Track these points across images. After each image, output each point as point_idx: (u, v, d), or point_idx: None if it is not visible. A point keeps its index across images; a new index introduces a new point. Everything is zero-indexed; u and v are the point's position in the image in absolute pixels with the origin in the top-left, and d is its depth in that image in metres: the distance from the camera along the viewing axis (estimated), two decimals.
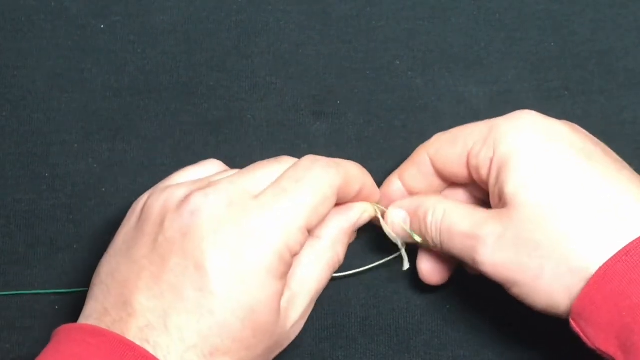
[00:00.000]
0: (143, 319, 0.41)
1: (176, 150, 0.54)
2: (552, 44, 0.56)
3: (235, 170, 0.47)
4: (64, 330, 0.42)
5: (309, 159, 0.46)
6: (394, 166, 0.53)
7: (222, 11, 0.57)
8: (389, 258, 0.51)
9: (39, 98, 0.55)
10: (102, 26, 0.56)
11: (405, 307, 0.51)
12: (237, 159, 0.54)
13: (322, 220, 0.45)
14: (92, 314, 0.43)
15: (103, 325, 0.42)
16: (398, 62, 0.56)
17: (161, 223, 0.43)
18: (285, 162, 0.46)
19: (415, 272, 0.52)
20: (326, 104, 0.55)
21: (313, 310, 0.50)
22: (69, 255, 0.53)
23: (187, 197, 0.43)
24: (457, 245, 0.46)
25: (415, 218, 0.48)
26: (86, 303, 0.44)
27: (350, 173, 0.47)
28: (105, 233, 0.52)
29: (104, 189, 0.54)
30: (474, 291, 0.52)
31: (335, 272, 0.47)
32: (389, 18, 0.56)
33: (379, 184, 0.50)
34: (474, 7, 0.57)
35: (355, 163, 0.48)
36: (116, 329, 0.41)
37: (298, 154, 0.54)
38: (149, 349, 0.40)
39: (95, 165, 0.54)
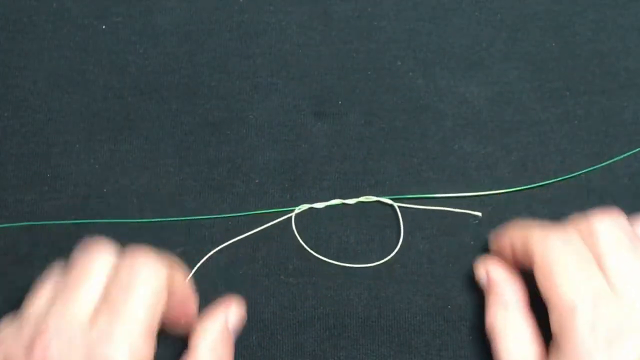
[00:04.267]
0: None
1: (178, 151, 0.54)
2: (553, 44, 0.56)
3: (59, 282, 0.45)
4: None
5: (129, 257, 0.45)
6: (394, 166, 0.53)
7: (224, 12, 0.57)
8: (387, 258, 0.51)
9: (40, 99, 0.55)
10: (104, 27, 0.56)
11: (407, 307, 0.51)
12: (239, 160, 0.54)
13: (164, 311, 0.44)
14: None
15: None
16: (399, 63, 0.56)
17: None
18: (98, 261, 0.45)
19: (417, 273, 0.52)
20: (327, 104, 0.55)
21: (315, 311, 0.50)
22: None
23: (30, 348, 0.43)
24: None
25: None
26: None
27: (173, 263, 0.47)
28: (106, 234, 0.52)
29: (105, 190, 0.54)
30: (475, 291, 0.51)
31: (337, 261, 0.48)
32: (390, 18, 0.56)
33: (383, 183, 0.50)
34: (475, 7, 0.57)
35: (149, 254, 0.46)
36: None
37: (299, 154, 0.54)
38: None
39: (97, 166, 0.54)
